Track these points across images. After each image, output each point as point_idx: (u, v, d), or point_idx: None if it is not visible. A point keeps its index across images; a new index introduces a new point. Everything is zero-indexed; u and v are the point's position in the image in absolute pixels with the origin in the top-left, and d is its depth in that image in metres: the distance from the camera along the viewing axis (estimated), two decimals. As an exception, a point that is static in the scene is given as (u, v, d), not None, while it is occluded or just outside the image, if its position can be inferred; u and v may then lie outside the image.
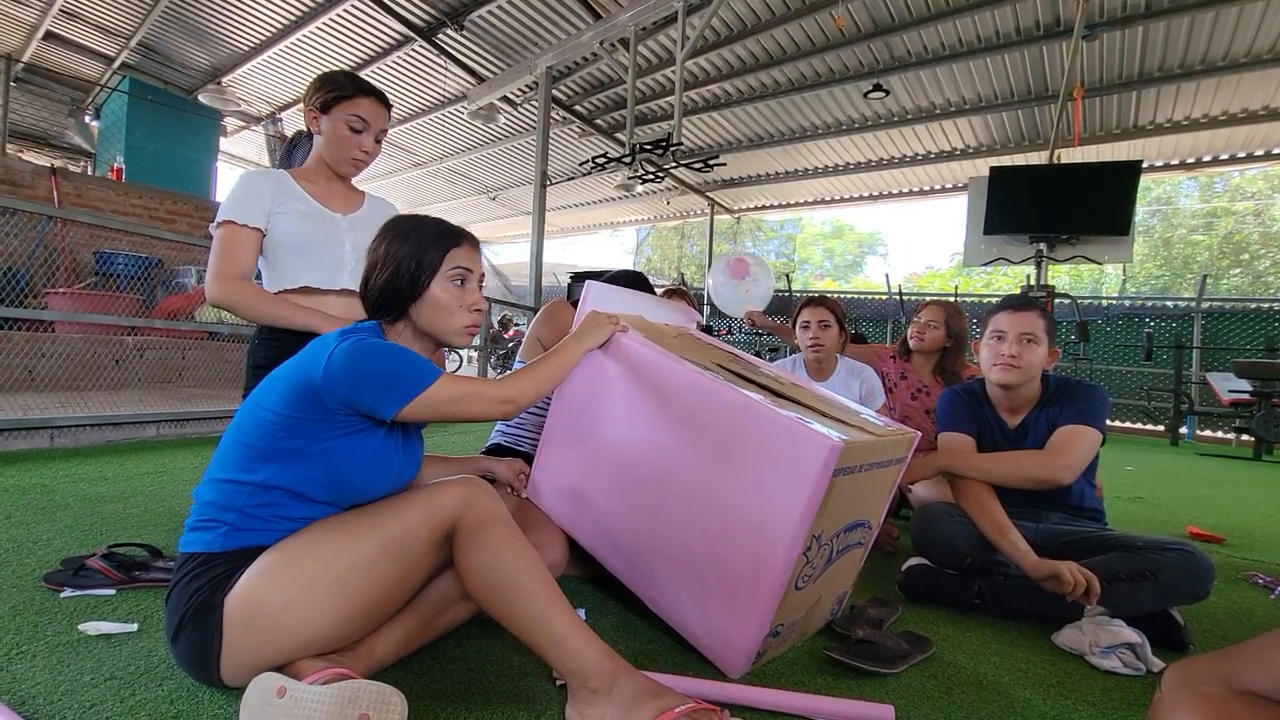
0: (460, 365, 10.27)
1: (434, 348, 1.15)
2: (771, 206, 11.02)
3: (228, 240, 1.40)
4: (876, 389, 2.34)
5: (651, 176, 6.03)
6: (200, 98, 7.63)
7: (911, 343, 2.49)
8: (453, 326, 1.10)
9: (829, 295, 2.46)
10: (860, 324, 10.19)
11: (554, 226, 13.06)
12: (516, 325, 11.14)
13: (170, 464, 2.70)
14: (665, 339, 1.39)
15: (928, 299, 2.60)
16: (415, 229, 1.09)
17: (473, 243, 1.13)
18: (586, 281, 1.45)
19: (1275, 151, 6.96)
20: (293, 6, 6.02)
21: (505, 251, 16.73)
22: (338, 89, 1.48)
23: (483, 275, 1.15)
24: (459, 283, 1.09)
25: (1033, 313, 1.62)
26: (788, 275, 13.37)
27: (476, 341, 6.71)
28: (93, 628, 1.14)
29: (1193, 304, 8.35)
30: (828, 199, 10.17)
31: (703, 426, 1.14)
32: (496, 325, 10.23)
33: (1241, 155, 7.22)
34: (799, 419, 1.05)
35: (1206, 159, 7.40)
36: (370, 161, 1.55)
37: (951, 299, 10.01)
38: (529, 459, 1.61)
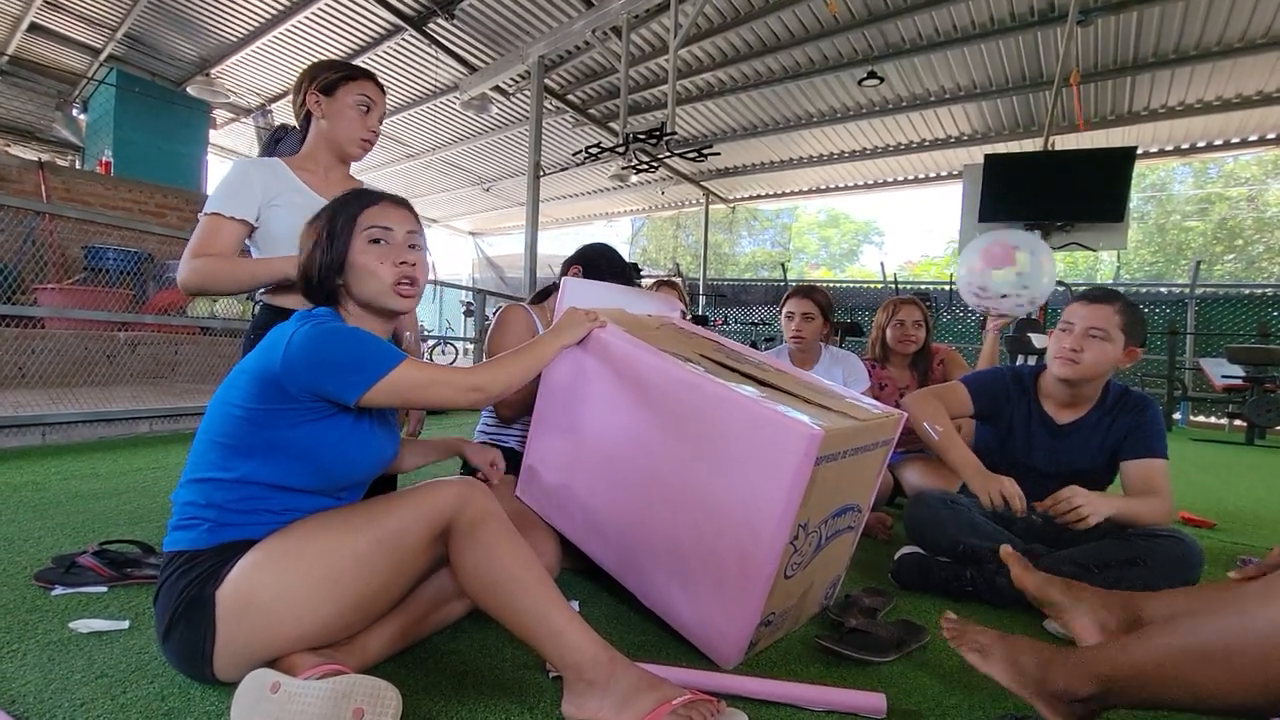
0: (455, 359, 10.24)
1: (386, 322, 1.11)
2: (766, 196, 10.97)
3: (207, 229, 1.38)
4: (860, 374, 2.34)
5: (645, 166, 6.00)
6: (189, 90, 7.53)
7: (899, 346, 2.47)
8: (380, 287, 1.04)
9: (817, 285, 2.44)
10: (856, 313, 10.19)
11: (548, 218, 12.99)
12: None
13: (163, 460, 2.69)
14: (647, 331, 1.38)
15: (902, 297, 2.59)
16: (328, 205, 1.08)
17: (392, 201, 1.09)
18: (564, 278, 1.43)
19: (1269, 136, 6.94)
20: (281, -4, 5.95)
21: (500, 243, 16.63)
22: (342, 70, 1.49)
23: (412, 233, 1.09)
24: (378, 243, 1.05)
25: (1108, 307, 1.52)
26: (783, 265, 13.36)
27: (471, 333, 6.70)
28: (84, 625, 1.13)
29: (1186, 290, 8.37)
30: (823, 188, 10.13)
31: (684, 419, 1.14)
32: (492, 317, 10.19)
33: (1235, 141, 7.21)
34: (779, 408, 1.05)
35: (1201, 145, 7.39)
36: (374, 143, 1.55)
37: (923, 288, 10.01)
38: (513, 456, 1.60)
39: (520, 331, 1.65)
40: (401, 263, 1.05)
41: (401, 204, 1.11)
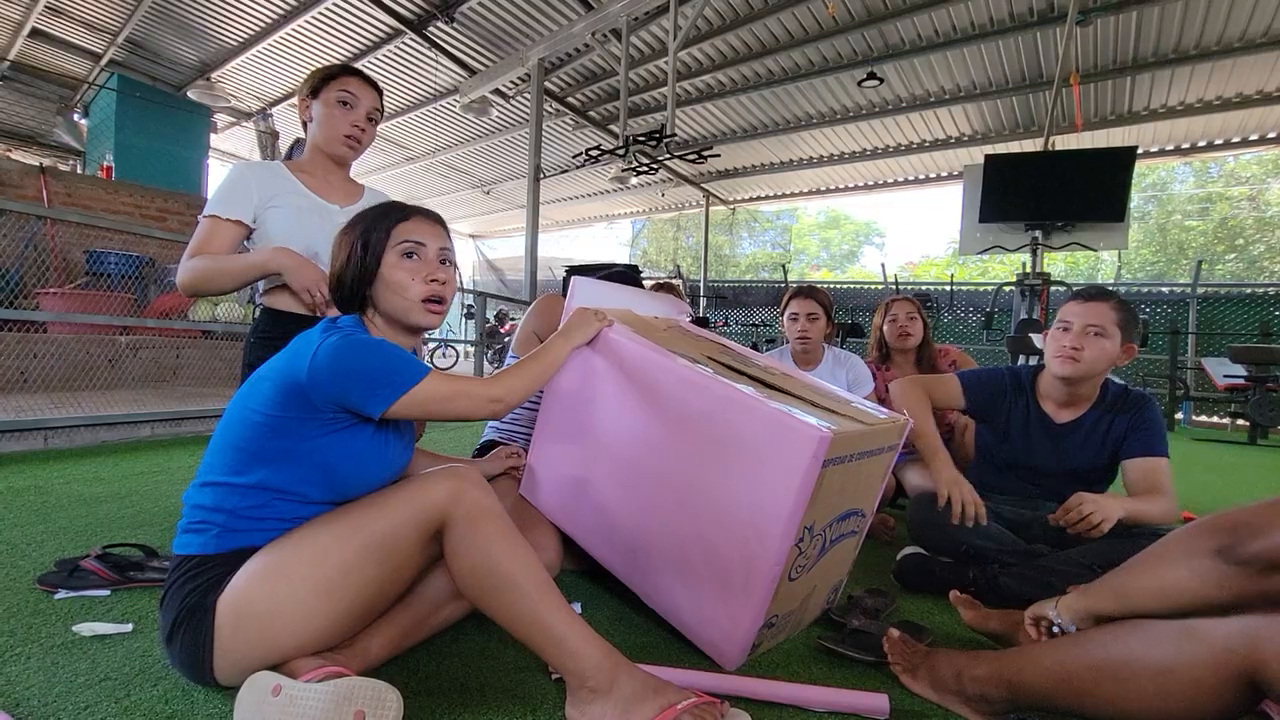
0: (455, 362, 10.25)
1: (411, 336, 1.11)
2: (767, 197, 10.99)
3: (204, 231, 1.40)
4: (864, 376, 2.34)
5: (645, 169, 6.01)
6: (190, 94, 7.56)
7: (898, 343, 2.45)
8: (409, 301, 1.04)
9: (818, 285, 2.44)
10: (857, 314, 10.19)
11: (549, 220, 13.01)
12: (513, 319, 11.11)
13: (165, 463, 2.69)
14: (654, 332, 1.38)
15: (895, 296, 2.60)
16: (363, 213, 1.08)
17: (426, 216, 1.09)
18: (573, 278, 1.44)
19: (1270, 135, 6.95)
20: (281, 1, 5.96)
21: (500, 246, 16.67)
22: (325, 72, 1.49)
23: (445, 249, 1.10)
24: (411, 256, 1.05)
25: (1104, 304, 1.54)
26: (784, 266, 13.38)
27: (471, 336, 6.69)
28: (87, 629, 1.13)
29: (1188, 290, 8.36)
30: (823, 189, 10.14)
31: (692, 420, 1.14)
32: (493, 320, 10.21)
33: (1236, 140, 7.22)
34: (787, 411, 1.05)
35: (1201, 144, 7.39)
36: (364, 141, 1.53)
37: (923, 289, 10.01)
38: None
39: (559, 315, 1.65)
40: (432, 279, 1.06)
41: (435, 219, 1.11)
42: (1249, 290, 8.48)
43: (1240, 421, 6.60)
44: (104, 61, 7.18)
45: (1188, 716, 0.78)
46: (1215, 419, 7.79)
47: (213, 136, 8.28)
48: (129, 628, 1.16)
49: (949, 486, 1.51)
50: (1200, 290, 8.30)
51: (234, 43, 6.80)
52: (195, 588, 0.92)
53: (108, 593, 1.31)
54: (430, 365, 1.05)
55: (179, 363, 4.73)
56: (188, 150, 7.38)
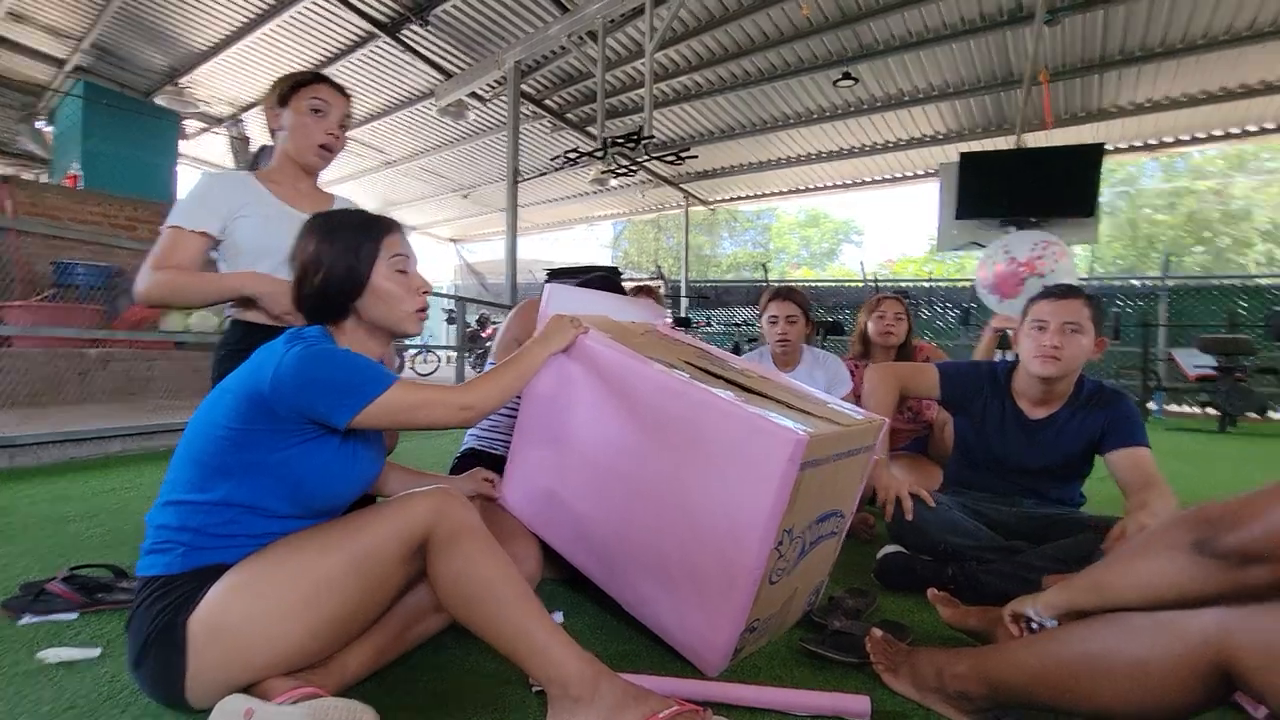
0: (437, 368, 10.16)
1: (387, 344, 1.12)
2: (746, 197, 11.04)
3: (167, 242, 1.36)
4: (842, 376, 2.36)
5: (624, 170, 6.00)
6: (158, 100, 7.42)
7: (882, 339, 2.48)
8: (403, 313, 1.08)
9: (795, 286, 2.45)
10: (837, 312, 10.27)
11: (528, 223, 12.94)
12: (494, 324, 11.04)
13: (136, 479, 2.63)
14: (631, 338, 1.37)
15: (884, 293, 2.64)
16: (340, 224, 1.07)
17: (401, 228, 1.13)
18: (546, 284, 1.43)
19: (1233, 131, 7.13)
20: (252, 4, 5.87)
21: (480, 249, 16.54)
22: (294, 80, 1.47)
23: (416, 260, 1.14)
24: (403, 272, 1.08)
25: (1077, 300, 1.56)
26: (764, 265, 13.45)
27: (453, 341, 6.63)
28: (53, 654, 1.10)
29: (1158, 282, 8.54)
30: (801, 188, 10.21)
31: (668, 426, 1.13)
32: (474, 324, 10.13)
33: (1202, 135, 7.39)
34: (763, 414, 1.05)
35: (1168, 140, 7.56)
36: (337, 150, 1.51)
37: (903, 285, 10.13)
38: (504, 462, 1.59)
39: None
40: (423, 292, 1.10)
41: (403, 230, 1.14)
42: (1216, 282, 8.68)
43: (1211, 410, 6.74)
44: (69, 67, 7.00)
45: (1163, 708, 0.79)
46: (1187, 409, 7.96)
47: (182, 143, 8.13)
48: (97, 652, 1.13)
49: (888, 496, 1.56)
50: (1170, 283, 8.48)
51: (203, 47, 6.68)
52: (165, 607, 0.90)
53: (75, 616, 1.28)
54: (411, 370, 1.05)
55: (150, 374, 4.63)
56: (157, 157, 7.23)
